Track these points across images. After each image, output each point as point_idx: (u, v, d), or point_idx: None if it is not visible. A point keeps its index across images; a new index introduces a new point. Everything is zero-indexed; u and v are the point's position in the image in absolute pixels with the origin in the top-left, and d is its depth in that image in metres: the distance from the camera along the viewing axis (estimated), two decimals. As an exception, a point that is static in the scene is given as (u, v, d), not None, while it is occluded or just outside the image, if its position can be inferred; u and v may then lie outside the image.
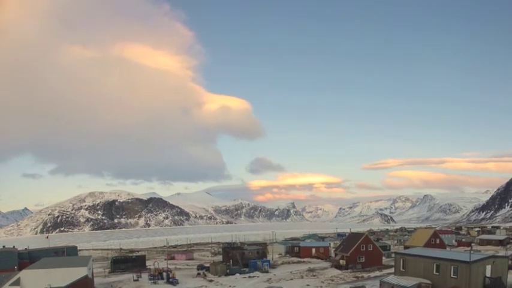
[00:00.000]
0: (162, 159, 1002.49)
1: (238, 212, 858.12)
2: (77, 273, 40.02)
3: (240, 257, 69.14)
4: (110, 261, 74.03)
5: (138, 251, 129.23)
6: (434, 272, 40.46)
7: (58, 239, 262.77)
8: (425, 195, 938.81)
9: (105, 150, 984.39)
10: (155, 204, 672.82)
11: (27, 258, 59.96)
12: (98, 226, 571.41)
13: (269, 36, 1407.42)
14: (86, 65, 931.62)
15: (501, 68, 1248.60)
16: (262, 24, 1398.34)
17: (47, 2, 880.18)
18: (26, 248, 72.39)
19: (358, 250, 65.67)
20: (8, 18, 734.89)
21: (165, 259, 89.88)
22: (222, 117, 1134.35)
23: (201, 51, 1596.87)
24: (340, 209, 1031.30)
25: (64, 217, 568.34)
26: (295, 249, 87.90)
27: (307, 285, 50.95)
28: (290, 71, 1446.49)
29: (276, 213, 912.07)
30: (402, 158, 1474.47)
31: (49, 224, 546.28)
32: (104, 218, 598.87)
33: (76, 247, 77.91)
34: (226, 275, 61.64)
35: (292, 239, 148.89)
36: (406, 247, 77.49)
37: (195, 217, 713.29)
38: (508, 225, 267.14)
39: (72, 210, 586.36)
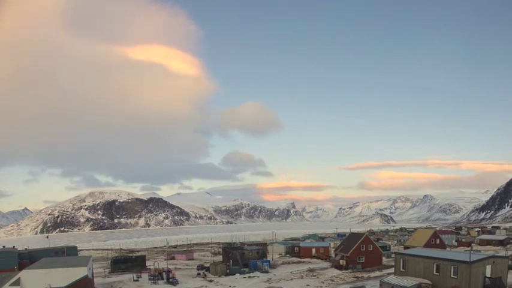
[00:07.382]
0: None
1: (238, 212, 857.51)
2: (77, 273, 39.97)
3: (240, 257, 69.07)
4: (110, 261, 74.02)
5: (138, 251, 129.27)
6: (434, 272, 40.47)
7: (58, 239, 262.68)
8: (425, 196, 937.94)
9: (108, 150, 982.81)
10: (155, 204, 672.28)
11: (27, 258, 59.75)
12: (98, 226, 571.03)
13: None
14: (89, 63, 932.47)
15: (504, 66, 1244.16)
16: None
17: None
18: (26, 248, 72.20)
19: (358, 250, 65.68)
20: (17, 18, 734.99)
21: (165, 259, 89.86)
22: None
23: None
24: (340, 209, 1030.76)
25: (64, 217, 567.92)
26: (295, 250, 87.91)
27: (307, 285, 50.94)
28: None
29: (276, 213, 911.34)
30: (402, 159, 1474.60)
31: (49, 224, 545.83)
32: (104, 218, 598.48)
33: (76, 247, 77.72)
34: (226, 275, 61.63)
35: (292, 239, 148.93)
36: (406, 247, 77.53)
37: (195, 217, 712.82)
38: (508, 225, 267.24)
39: (72, 210, 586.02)
